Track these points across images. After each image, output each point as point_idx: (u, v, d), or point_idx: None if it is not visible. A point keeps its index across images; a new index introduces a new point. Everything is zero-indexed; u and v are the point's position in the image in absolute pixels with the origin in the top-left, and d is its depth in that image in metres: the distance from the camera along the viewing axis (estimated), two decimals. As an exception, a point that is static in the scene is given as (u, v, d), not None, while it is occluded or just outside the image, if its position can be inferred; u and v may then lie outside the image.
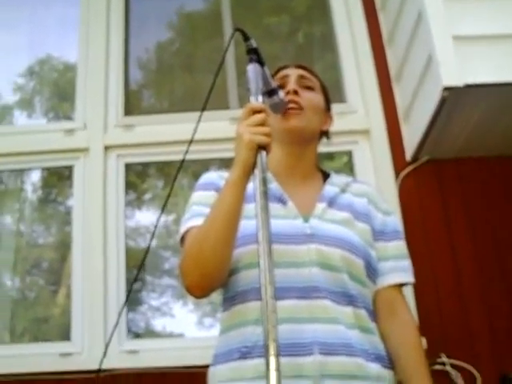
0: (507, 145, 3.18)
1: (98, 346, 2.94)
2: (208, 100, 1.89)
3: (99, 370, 2.77)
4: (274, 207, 1.56)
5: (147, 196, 3.81)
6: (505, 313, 3.00)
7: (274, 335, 1.19)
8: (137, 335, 3.34)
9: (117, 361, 2.95)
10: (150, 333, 3.45)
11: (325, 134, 1.86)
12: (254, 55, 1.53)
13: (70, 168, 3.51)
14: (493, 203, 3.21)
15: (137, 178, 3.70)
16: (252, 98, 1.47)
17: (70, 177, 3.52)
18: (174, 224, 3.50)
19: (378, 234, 1.71)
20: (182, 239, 1.67)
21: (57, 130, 3.58)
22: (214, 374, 1.59)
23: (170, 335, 3.41)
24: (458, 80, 2.72)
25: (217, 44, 3.80)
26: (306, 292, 1.52)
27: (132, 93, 3.80)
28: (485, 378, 2.84)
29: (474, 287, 3.05)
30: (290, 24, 4.12)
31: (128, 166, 3.49)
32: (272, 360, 1.16)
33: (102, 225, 3.25)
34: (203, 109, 1.94)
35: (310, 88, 1.80)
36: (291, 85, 1.76)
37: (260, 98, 1.48)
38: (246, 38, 1.55)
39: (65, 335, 3.15)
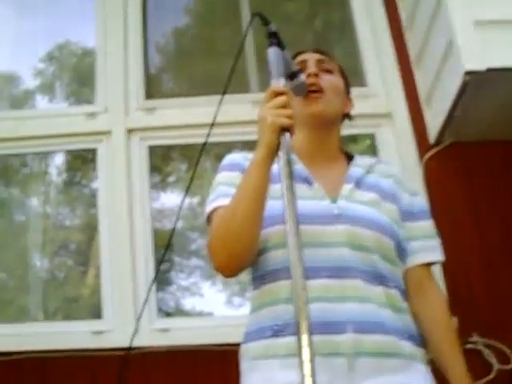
0: (532, 127, 3.14)
1: (129, 325, 2.99)
2: (229, 83, 1.90)
3: (130, 348, 2.82)
4: (301, 188, 1.55)
5: (171, 179, 3.84)
6: (537, 290, 2.98)
7: (306, 313, 1.19)
8: (167, 314, 3.39)
9: (148, 339, 3.00)
10: (180, 312, 3.49)
11: (346, 116, 1.86)
12: (274, 39, 1.54)
13: (93, 151, 3.53)
14: (518, 184, 3.19)
15: (161, 160, 3.72)
16: (274, 81, 1.47)
17: (93, 160, 3.54)
18: (199, 206, 3.53)
19: (406, 215, 1.71)
20: (208, 219, 1.68)
21: (78, 114, 3.59)
22: (247, 351, 1.61)
23: (200, 314, 3.45)
24: (479, 64, 2.70)
25: (235, 28, 3.78)
26: (337, 272, 1.52)
27: (152, 77, 3.80)
28: (518, 356, 2.84)
29: (503, 267, 3.03)
30: (307, 10, 4.09)
31: (151, 149, 3.49)
32: (304, 337, 1.17)
33: (127, 207, 3.28)
34: (224, 92, 1.94)
35: (329, 71, 1.80)
36: (311, 68, 1.76)
37: (282, 81, 1.47)
38: (266, 23, 1.56)
39: (95, 314, 3.21)
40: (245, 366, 1.61)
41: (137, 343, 2.87)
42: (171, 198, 3.69)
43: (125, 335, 2.93)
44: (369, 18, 3.69)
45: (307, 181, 1.67)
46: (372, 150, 3.39)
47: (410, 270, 1.69)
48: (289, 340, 1.43)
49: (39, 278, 3.48)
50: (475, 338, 2.86)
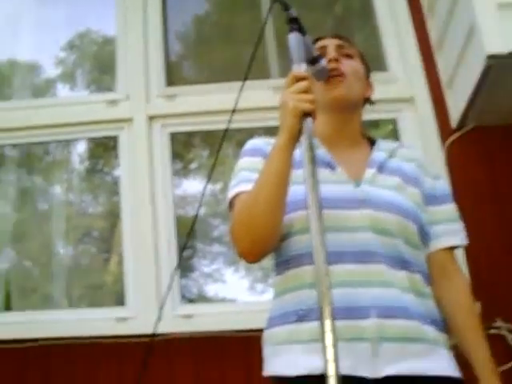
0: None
1: (152, 311, 3.00)
2: (249, 69, 1.89)
3: (154, 335, 2.84)
4: (323, 172, 1.57)
5: (193, 165, 3.85)
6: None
7: (329, 298, 1.19)
8: (190, 300, 3.41)
9: (171, 325, 3.01)
10: (203, 298, 3.51)
11: (367, 101, 1.86)
12: (295, 24, 1.53)
13: (114, 138, 3.55)
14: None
15: (182, 147, 3.73)
16: (295, 66, 1.47)
17: (115, 147, 3.56)
18: (221, 192, 3.53)
19: (429, 198, 1.71)
20: (231, 205, 1.69)
21: (99, 101, 3.61)
22: (271, 336, 1.61)
23: (223, 300, 3.47)
24: (502, 48, 2.66)
25: (255, 14, 3.76)
26: (361, 256, 1.52)
27: (172, 64, 3.80)
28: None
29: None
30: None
31: (173, 136, 3.50)
32: (327, 322, 1.17)
33: (149, 194, 3.29)
34: (245, 78, 1.94)
35: (349, 56, 1.79)
36: (331, 53, 1.75)
37: (303, 66, 1.47)
38: (286, 8, 1.55)
39: (119, 301, 3.23)
40: (268, 351, 1.62)
41: (160, 330, 2.89)
42: (193, 185, 3.70)
43: (148, 322, 2.94)
44: (389, 2, 3.65)
45: (330, 165, 1.67)
46: (394, 135, 3.36)
47: (433, 254, 1.69)
48: (312, 325, 1.43)
49: (63, 266, 3.51)
50: (499, 323, 2.84)
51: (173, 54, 3.87)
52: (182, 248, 3.10)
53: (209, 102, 3.46)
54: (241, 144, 1.82)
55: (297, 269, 1.58)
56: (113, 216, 3.54)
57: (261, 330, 1.67)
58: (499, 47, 2.67)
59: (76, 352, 3.00)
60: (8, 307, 3.39)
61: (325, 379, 1.13)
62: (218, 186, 3.60)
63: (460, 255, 2.64)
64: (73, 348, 2.99)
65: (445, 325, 1.61)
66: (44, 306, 3.47)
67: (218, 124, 3.22)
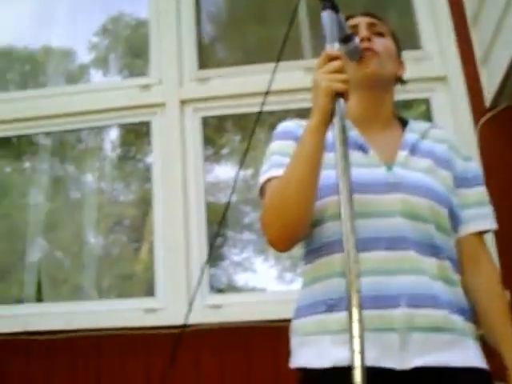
0: None
1: (181, 302, 3.03)
2: (282, 50, 1.87)
3: (185, 325, 2.85)
4: (355, 155, 1.56)
5: (225, 151, 3.84)
6: None
7: (356, 286, 1.19)
8: (219, 290, 3.41)
9: (200, 315, 3.02)
10: (232, 288, 3.51)
11: (399, 80, 1.83)
12: (328, 2, 1.51)
13: (147, 124, 3.57)
14: None
15: (214, 132, 3.73)
16: (328, 46, 1.45)
17: (147, 134, 3.58)
18: (252, 178, 3.53)
19: (460, 181, 1.69)
20: (262, 190, 1.68)
21: (132, 86, 3.64)
22: (298, 327, 1.60)
23: (252, 290, 3.47)
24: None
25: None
26: (394, 243, 1.50)
27: (205, 46, 3.80)
28: None
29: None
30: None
31: (204, 120, 3.51)
32: (354, 311, 1.17)
33: (181, 180, 3.31)
34: (278, 59, 1.92)
35: (380, 34, 1.77)
36: (363, 32, 1.73)
37: (336, 45, 1.45)
38: (320, -15, 1.53)
39: (149, 291, 3.27)
40: (295, 342, 1.60)
41: (189, 320, 2.90)
42: (224, 171, 3.70)
43: (177, 313, 2.97)
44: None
45: (362, 148, 1.65)
46: (427, 116, 3.33)
47: (462, 238, 1.67)
48: (342, 315, 1.40)
49: (94, 256, 3.55)
50: (529, 311, 2.78)
51: (205, 35, 3.87)
52: (213, 237, 3.10)
53: (241, 85, 3.46)
54: (273, 127, 1.81)
55: (328, 257, 1.56)
56: (144, 204, 3.57)
57: (290, 320, 1.65)
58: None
59: (105, 344, 3.05)
60: (39, 298, 3.44)
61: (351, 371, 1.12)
62: (249, 172, 3.58)
63: (489, 241, 2.58)
64: (101, 339, 3.03)
65: (472, 314, 1.59)
66: (74, 297, 3.53)
67: (251, 107, 3.23)
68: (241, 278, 3.55)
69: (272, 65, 1.85)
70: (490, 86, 3.17)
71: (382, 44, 1.73)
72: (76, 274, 3.60)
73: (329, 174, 1.47)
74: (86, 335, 3.03)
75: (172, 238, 3.22)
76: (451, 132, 3.06)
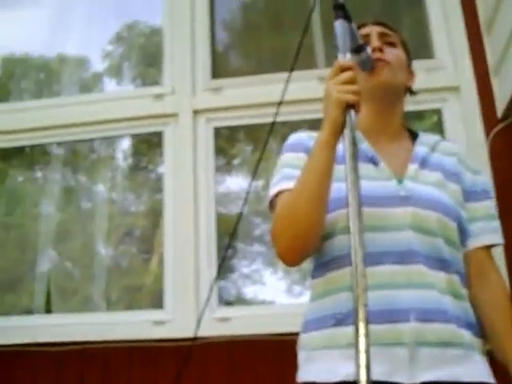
0: None
1: (190, 314, 3.04)
2: (296, 60, 1.89)
3: (195, 338, 2.85)
4: (366, 168, 1.57)
5: (236, 161, 3.85)
6: None
7: (364, 300, 1.19)
8: (228, 303, 3.42)
9: (208, 328, 3.02)
10: (241, 300, 3.51)
11: (409, 90, 1.85)
12: (341, 11, 1.52)
13: (159, 134, 3.59)
14: None
15: (226, 142, 3.74)
16: (340, 56, 1.46)
17: (159, 144, 3.60)
18: (263, 189, 3.52)
19: (469, 194, 1.70)
20: (272, 202, 1.69)
21: (146, 96, 3.67)
22: (306, 341, 1.60)
23: (261, 303, 3.47)
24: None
25: (302, 1, 3.75)
26: (403, 257, 1.51)
27: (219, 55, 3.83)
28: None
29: None
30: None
31: (217, 131, 3.52)
32: (361, 325, 1.17)
33: (192, 191, 3.32)
34: (291, 69, 1.93)
35: (392, 44, 1.78)
36: (375, 42, 1.75)
37: (348, 56, 1.46)
38: (333, -6, 1.54)
39: (157, 303, 3.27)
40: (303, 356, 1.61)
41: (197, 333, 2.91)
42: (236, 182, 3.71)
43: (185, 325, 2.99)
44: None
45: (373, 160, 1.66)
46: (439, 126, 3.33)
47: (470, 252, 1.67)
48: (350, 329, 1.40)
49: (103, 267, 3.56)
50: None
51: (219, 43, 3.89)
52: (223, 249, 3.11)
53: (254, 95, 3.48)
54: (285, 138, 1.82)
55: (338, 270, 1.56)
56: (155, 215, 3.58)
57: (298, 334, 1.66)
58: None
59: (112, 355, 3.06)
60: (49, 309, 3.46)
61: (358, 386, 1.12)
62: (260, 183, 3.59)
63: (499, 255, 2.57)
64: (109, 351, 3.04)
65: (479, 329, 1.59)
66: (83, 309, 3.54)
67: (264, 117, 3.25)
68: (250, 291, 3.55)
69: (285, 74, 1.86)
70: (502, 96, 3.17)
71: (393, 54, 1.75)
72: (85, 285, 3.62)
73: (340, 187, 1.47)
74: (94, 347, 3.05)
75: (182, 250, 3.24)
76: (463, 143, 3.10)
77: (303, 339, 1.62)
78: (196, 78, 3.60)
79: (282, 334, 2.83)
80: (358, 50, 1.62)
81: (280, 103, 2.04)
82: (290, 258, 1.60)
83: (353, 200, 1.28)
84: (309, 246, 1.58)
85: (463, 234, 1.65)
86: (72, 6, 4.12)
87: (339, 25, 1.50)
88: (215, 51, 3.77)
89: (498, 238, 1.72)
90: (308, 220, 1.50)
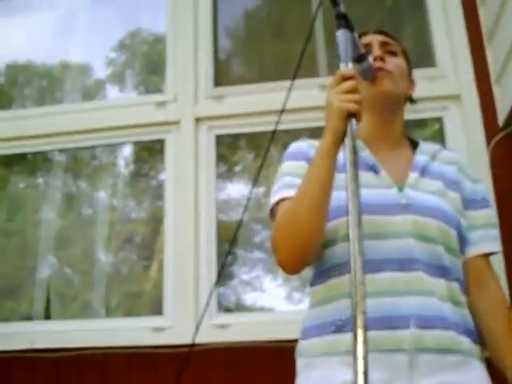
0: None
1: (189, 321, 3.04)
2: (298, 68, 1.90)
3: (193, 345, 2.86)
4: (367, 176, 1.59)
5: (237, 168, 3.86)
6: None
7: (363, 307, 1.20)
8: (227, 309, 3.42)
9: (207, 335, 3.01)
10: (240, 307, 3.51)
11: (409, 99, 1.87)
12: (343, 21, 1.54)
13: (161, 142, 3.60)
14: None
15: (227, 149, 3.75)
16: (342, 65, 1.47)
17: (161, 151, 3.60)
18: (264, 197, 3.52)
19: (468, 202, 1.72)
20: (272, 211, 1.71)
21: (148, 103, 3.67)
22: (305, 348, 1.61)
23: (260, 309, 3.47)
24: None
25: (305, 10, 3.76)
26: (404, 264, 1.53)
27: (221, 62, 3.83)
28: None
29: None
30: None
31: (218, 138, 3.53)
32: (359, 332, 1.18)
33: (193, 198, 3.32)
34: (293, 77, 1.94)
35: (393, 53, 1.81)
36: (376, 51, 1.77)
37: (350, 65, 1.48)
38: (335, 3, 1.55)
39: (157, 310, 3.27)
40: (301, 363, 1.62)
41: (196, 339, 2.90)
42: (237, 189, 3.72)
43: (184, 332, 2.99)
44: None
45: (373, 169, 1.68)
46: (440, 135, 3.32)
47: (469, 260, 1.69)
48: (350, 336, 1.42)
49: (103, 273, 3.57)
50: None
51: (222, 51, 3.90)
52: (223, 256, 3.12)
53: (256, 103, 3.49)
54: (286, 146, 1.84)
55: (339, 278, 1.58)
56: (155, 221, 3.58)
57: (297, 341, 1.66)
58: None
59: (111, 362, 3.06)
60: (48, 315, 3.47)
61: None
62: (261, 190, 3.59)
63: (498, 263, 2.57)
64: (108, 358, 3.04)
65: (478, 336, 1.61)
66: (83, 315, 3.55)
67: (265, 125, 3.25)
68: (249, 298, 3.55)
69: (287, 82, 1.87)
70: (503, 105, 3.17)
71: (394, 63, 1.77)
72: (85, 292, 3.62)
73: (340, 195, 1.48)
74: (93, 353, 3.05)
75: (182, 256, 3.24)
76: (464, 151, 3.10)
77: (302, 346, 1.63)
78: (198, 85, 3.61)
79: (281, 341, 2.83)
80: (359, 59, 1.64)
81: (282, 111, 2.06)
82: (291, 266, 1.61)
83: (353, 208, 1.29)
84: (309, 255, 1.59)
85: (463, 241, 1.67)
86: (75, 13, 4.14)
87: (341, 34, 1.51)
88: (218, 59, 3.77)
89: (496, 246, 1.74)
90: (308, 228, 1.51)
